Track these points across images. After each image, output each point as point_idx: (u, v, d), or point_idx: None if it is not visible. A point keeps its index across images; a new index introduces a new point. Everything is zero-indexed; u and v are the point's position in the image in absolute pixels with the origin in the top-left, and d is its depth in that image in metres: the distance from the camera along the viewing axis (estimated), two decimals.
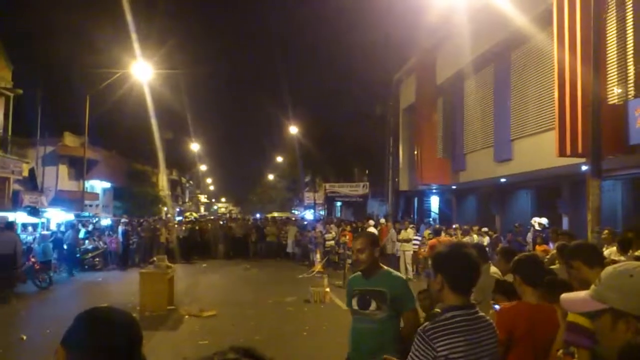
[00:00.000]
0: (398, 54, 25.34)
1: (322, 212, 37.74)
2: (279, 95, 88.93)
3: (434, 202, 26.64)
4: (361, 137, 31.35)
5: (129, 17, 22.19)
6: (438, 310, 3.47)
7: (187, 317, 10.87)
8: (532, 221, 14.34)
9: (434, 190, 24.70)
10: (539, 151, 14.01)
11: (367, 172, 34.74)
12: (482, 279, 4.63)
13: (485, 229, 16.79)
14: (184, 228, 24.94)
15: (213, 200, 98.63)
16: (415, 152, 22.48)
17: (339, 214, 36.34)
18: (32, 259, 14.78)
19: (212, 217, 38.46)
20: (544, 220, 13.96)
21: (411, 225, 17.84)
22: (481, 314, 2.45)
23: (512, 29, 14.91)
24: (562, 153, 11.53)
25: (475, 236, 15.72)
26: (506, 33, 15.58)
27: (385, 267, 3.86)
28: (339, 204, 36.78)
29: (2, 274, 12.99)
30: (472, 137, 19.57)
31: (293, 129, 40.84)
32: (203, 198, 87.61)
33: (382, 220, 20.38)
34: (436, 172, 21.02)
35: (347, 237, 18.78)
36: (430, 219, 23.74)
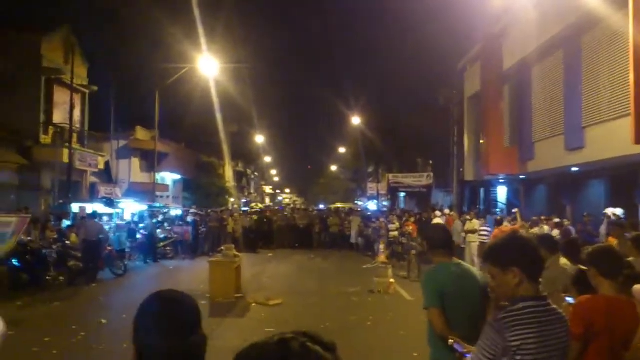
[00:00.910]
0: (462, 42, 24.84)
1: (385, 203, 37.57)
2: (342, 86, 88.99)
3: (501, 193, 25.95)
4: (425, 127, 30.91)
5: (196, 12, 22.85)
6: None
7: (254, 305, 11.18)
8: (606, 212, 13.72)
9: (501, 180, 24.04)
10: (613, 138, 13.38)
11: (430, 162, 34.26)
12: (552, 271, 4.54)
13: (556, 220, 16.23)
14: (252, 218, 25.52)
15: (277, 191, 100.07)
16: (481, 142, 21.94)
17: (402, 205, 36.05)
18: (109, 248, 15.60)
19: (276, 208, 39.09)
20: (619, 211, 13.33)
21: (469, 216, 17.51)
22: (553, 305, 2.40)
23: (583, 12, 14.26)
24: (638, 140, 10.99)
25: (545, 227, 15.25)
26: (576, 17, 14.92)
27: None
28: (402, 194, 36.47)
29: (90, 259, 13.92)
30: (540, 125, 18.91)
31: (356, 120, 40.78)
32: (268, 189, 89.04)
33: (447, 211, 20.08)
34: (503, 162, 20.47)
35: (411, 227, 18.66)
36: (498, 210, 23.17)
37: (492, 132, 20.80)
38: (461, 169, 26.51)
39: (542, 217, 15.73)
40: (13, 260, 12.06)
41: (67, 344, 7.78)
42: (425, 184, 30.65)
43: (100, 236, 14.57)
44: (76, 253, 13.94)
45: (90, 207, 18.74)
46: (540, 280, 2.45)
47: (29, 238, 13.07)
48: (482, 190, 27.28)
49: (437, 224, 10.15)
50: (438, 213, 18.76)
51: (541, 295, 2.39)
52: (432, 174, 30.85)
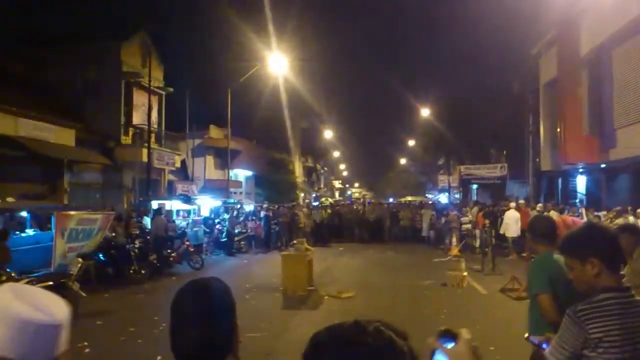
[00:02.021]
0: (537, 26, 23.81)
1: (457, 196, 36.82)
2: (412, 77, 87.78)
3: (580, 183, 24.79)
4: (498, 116, 29.99)
5: (267, 10, 23.29)
6: None
7: (326, 297, 11.31)
8: None
9: (580, 170, 22.95)
10: None
11: (504, 152, 33.19)
12: (638, 262, 4.34)
13: None
14: (323, 212, 25.76)
15: (347, 185, 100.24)
16: (558, 130, 21.02)
17: (475, 197, 35.19)
18: (186, 243, 16.22)
19: (346, 202, 39.20)
20: None
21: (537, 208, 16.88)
22: (637, 297, 2.29)
23: None
24: None
25: (630, 217, 14.46)
26: None
27: None
28: (475, 186, 35.60)
29: (159, 253, 14.62)
30: (623, 111, 17.90)
31: (426, 112, 40.18)
32: (337, 184, 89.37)
33: (522, 202, 19.41)
34: (582, 150, 19.54)
35: (480, 220, 18.31)
36: (577, 201, 22.17)
37: (570, 119, 19.91)
38: (537, 159, 25.54)
39: (629, 208, 14.89)
40: (99, 255, 12.82)
41: (151, 334, 8.20)
42: (499, 175, 29.75)
43: (170, 233, 15.30)
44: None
45: (168, 204, 19.57)
46: (625, 272, 2.36)
47: (113, 234, 13.82)
48: (559, 181, 26.17)
49: (542, 215, 9.85)
50: (512, 204, 18.17)
51: (624, 286, 2.30)
52: (506, 165, 29.90)
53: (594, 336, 2.15)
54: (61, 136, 19.84)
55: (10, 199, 13.59)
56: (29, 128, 18.03)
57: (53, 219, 11.63)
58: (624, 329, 2.15)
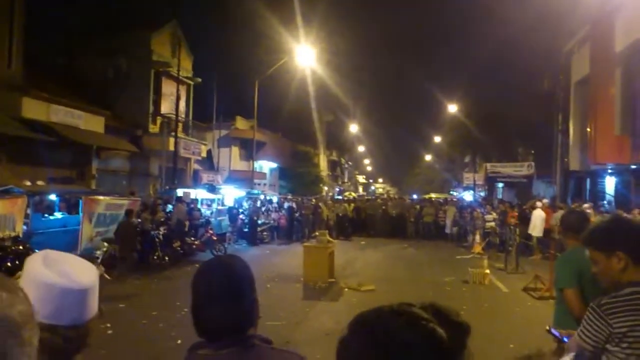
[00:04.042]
0: (569, 23, 23.34)
1: (482, 194, 36.44)
2: (440, 73, 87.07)
3: (609, 184, 24.31)
4: (526, 114, 29.52)
5: (295, 2, 23.32)
6: None
7: (346, 290, 11.33)
8: None
9: (610, 171, 22.49)
10: None
11: (532, 151, 32.70)
12: None
13: None
14: (346, 206, 25.77)
15: (371, 180, 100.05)
16: (588, 129, 20.59)
17: (500, 196, 34.78)
18: (210, 231, 16.41)
19: (369, 197, 39.11)
20: None
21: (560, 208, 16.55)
22: None
23: None
24: None
25: None
26: None
27: None
28: (500, 185, 35.17)
29: (182, 240, 14.84)
30: None
31: (453, 108, 39.79)
32: (361, 178, 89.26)
33: (545, 201, 19.10)
34: (612, 150, 19.11)
35: (513, 219, 18.08)
36: (605, 202, 21.74)
37: (601, 118, 19.49)
38: (565, 159, 25.09)
39: None
40: None
41: (173, 319, 8.34)
42: (526, 174, 29.34)
43: (195, 221, 15.49)
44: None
45: (193, 193, 19.80)
46: None
47: (139, 220, 14.04)
48: (588, 181, 25.70)
49: (574, 209, 9.74)
50: (539, 204, 17.91)
51: None
52: (533, 164, 29.46)
53: (618, 330, 2.10)
54: (91, 123, 20.21)
55: (40, 183, 13.91)
56: (60, 114, 18.40)
57: (81, 203, 11.90)
58: None
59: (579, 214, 4.37)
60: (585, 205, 17.11)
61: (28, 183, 13.46)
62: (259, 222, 20.75)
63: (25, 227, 10.63)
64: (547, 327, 3.17)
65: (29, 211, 11.12)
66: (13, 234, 9.79)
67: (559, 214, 16.89)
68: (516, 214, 18.76)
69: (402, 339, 0.94)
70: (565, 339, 2.86)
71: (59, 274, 1.37)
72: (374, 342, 0.95)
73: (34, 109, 17.12)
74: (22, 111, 16.67)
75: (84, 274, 1.42)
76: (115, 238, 12.26)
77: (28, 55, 17.41)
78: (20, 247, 9.00)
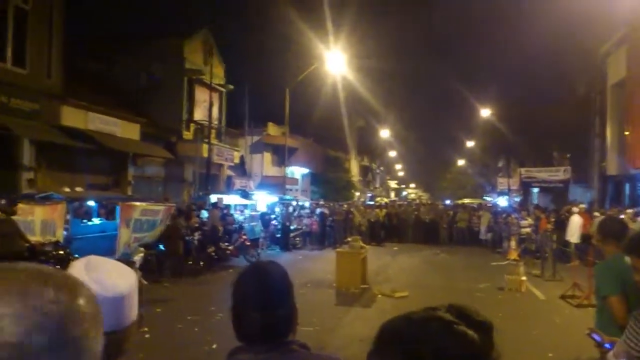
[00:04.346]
0: (605, 25, 22.82)
1: (516, 199, 35.81)
2: (473, 77, 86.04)
3: None
4: (562, 118, 28.94)
5: (325, 9, 23.43)
6: None
7: (379, 296, 11.29)
8: None
9: None
10: None
11: (568, 155, 32.00)
12: None
13: None
14: (378, 212, 25.70)
15: (403, 186, 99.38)
16: (626, 133, 20.11)
17: (535, 201, 34.11)
18: (243, 237, 16.55)
19: (401, 202, 38.87)
20: None
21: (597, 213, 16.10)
22: None
23: None
24: None
25: None
26: None
27: None
28: (535, 190, 34.49)
29: (216, 245, 15.00)
30: None
31: (486, 112, 39.29)
32: (393, 184, 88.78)
33: (582, 206, 18.62)
34: None
35: (549, 225, 17.73)
36: None
37: (639, 122, 19.02)
38: (603, 163, 24.50)
39: None
40: (160, 246, 13.26)
41: (208, 323, 8.44)
42: (562, 178, 28.70)
43: (228, 226, 15.67)
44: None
45: (226, 199, 20.01)
46: None
47: None
48: (627, 186, 25.05)
49: (613, 216, 9.56)
50: (575, 209, 17.50)
51: None
52: (569, 168, 28.83)
53: None
54: (127, 130, 20.64)
55: (79, 189, 14.27)
56: (97, 122, 18.85)
57: (118, 209, 12.15)
58: None
59: (618, 221, 4.29)
60: (629, 211, 16.67)
61: (67, 189, 13.85)
62: (292, 227, 20.84)
63: (65, 233, 10.90)
64: (588, 331, 3.10)
65: (68, 217, 11.41)
66: (54, 239, 10.06)
67: (598, 220, 16.50)
68: (551, 219, 18.37)
69: (437, 346, 0.93)
70: (608, 346, 2.80)
71: (94, 281, 1.39)
72: (408, 352, 0.95)
73: (72, 117, 17.58)
74: (61, 119, 17.13)
75: (120, 280, 1.44)
76: (162, 241, 12.66)
77: (65, 63, 17.90)
78: (61, 252, 9.24)
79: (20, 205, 9.57)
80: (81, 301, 0.81)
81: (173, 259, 13.23)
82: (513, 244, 17.74)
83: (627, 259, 3.46)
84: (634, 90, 19.53)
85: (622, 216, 15.27)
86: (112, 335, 1.44)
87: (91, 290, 0.89)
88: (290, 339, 1.61)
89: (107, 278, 1.42)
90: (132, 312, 1.48)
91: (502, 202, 37.55)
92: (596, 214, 16.38)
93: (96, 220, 14.04)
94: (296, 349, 1.58)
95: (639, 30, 19.42)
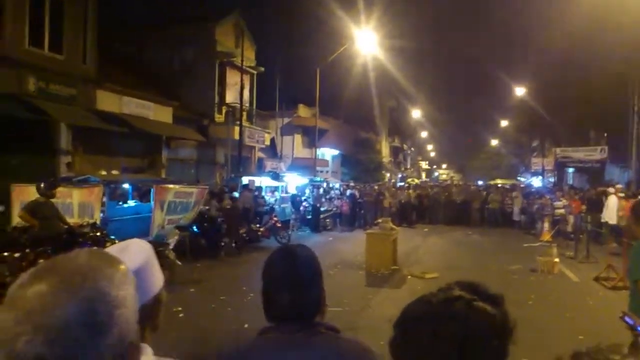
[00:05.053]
0: None
1: (551, 179, 35.16)
2: (507, 55, 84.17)
3: None
4: (600, 96, 28.12)
5: None
6: None
7: (409, 277, 11.31)
8: None
9: None
10: None
11: (605, 134, 31.19)
12: None
13: None
14: (409, 193, 25.59)
15: (434, 166, 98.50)
16: None
17: (570, 181, 33.43)
18: (274, 218, 16.72)
19: (433, 184, 38.58)
20: None
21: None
22: None
23: None
24: None
25: None
26: None
27: None
28: (571, 170, 33.79)
29: (246, 225, 15.25)
30: None
31: (520, 90, 38.50)
32: (424, 165, 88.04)
33: (619, 186, 18.11)
34: None
35: (574, 205, 17.42)
36: None
37: None
38: None
39: None
40: (193, 227, 13.53)
41: (240, 303, 8.62)
42: (599, 158, 28.06)
43: (259, 208, 15.92)
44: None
45: (258, 180, 20.21)
46: None
47: (207, 207, 14.50)
48: None
49: None
50: (611, 189, 17.06)
51: None
52: (606, 148, 28.12)
53: None
54: (160, 113, 20.96)
55: (114, 172, 14.61)
56: (131, 106, 19.18)
57: (152, 192, 12.42)
58: None
59: None
60: (611, 189, 16.27)
61: (104, 172, 14.19)
62: (322, 209, 20.94)
63: (102, 215, 11.20)
64: (621, 314, 3.09)
65: (104, 199, 11.70)
66: (91, 221, 10.36)
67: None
68: (579, 202, 18.02)
69: (464, 323, 0.99)
70: None
71: None
72: (436, 333, 0.99)
73: (107, 101, 17.94)
74: (97, 104, 17.49)
75: (130, 256, 1.51)
76: (225, 220, 14.06)
77: (100, 49, 18.22)
78: (98, 234, 9.51)
79: (59, 189, 9.83)
80: (119, 289, 0.89)
81: (234, 238, 14.37)
82: (546, 225, 17.51)
83: None
84: None
85: None
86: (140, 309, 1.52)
87: (126, 270, 0.97)
88: (318, 321, 1.66)
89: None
90: (153, 284, 1.55)
91: (536, 182, 36.91)
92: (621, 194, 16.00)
93: (131, 203, 14.34)
94: (323, 331, 1.64)
95: None
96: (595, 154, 28.42)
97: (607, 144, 28.83)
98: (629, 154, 24.92)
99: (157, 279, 1.56)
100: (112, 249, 1.55)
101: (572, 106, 31.86)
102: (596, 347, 0.92)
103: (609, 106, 27.49)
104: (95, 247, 1.60)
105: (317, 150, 30.60)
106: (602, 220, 15.96)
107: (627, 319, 3.00)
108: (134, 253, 1.54)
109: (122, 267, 0.96)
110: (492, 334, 0.99)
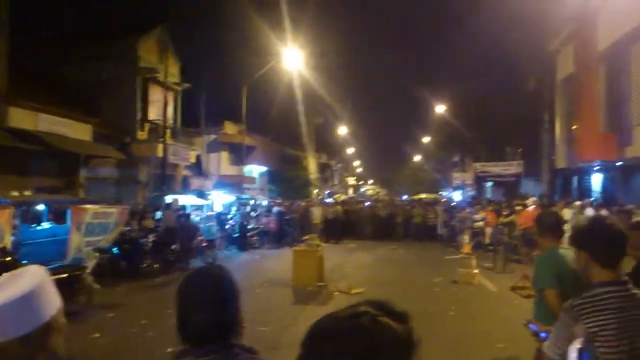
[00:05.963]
0: (554, 22, 23.58)
1: (470, 193, 36.64)
2: (427, 74, 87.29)
3: (596, 181, 24.58)
4: (514, 113, 29.77)
5: (283, 5, 23.35)
6: None
7: (336, 293, 11.39)
8: None
9: (596, 168, 22.74)
10: None
11: (520, 150, 32.98)
12: None
13: None
14: (336, 209, 25.80)
15: (361, 182, 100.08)
16: (574, 127, 20.86)
17: (489, 195, 35.00)
18: (199, 237, 16.35)
19: (359, 199, 39.18)
20: None
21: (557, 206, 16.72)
22: (636, 290, 2.26)
23: None
24: None
25: None
26: None
27: None
28: (489, 184, 35.41)
29: (188, 245, 14.84)
30: None
31: (440, 108, 40.01)
32: (351, 180, 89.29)
33: (532, 199, 19.18)
34: (598, 148, 19.34)
35: (489, 217, 18.29)
36: (592, 199, 21.97)
37: (586, 116, 19.74)
38: (552, 156, 25.35)
39: None
40: (113, 249, 13.00)
41: (162, 327, 8.32)
42: (515, 172, 29.60)
43: (192, 227, 15.48)
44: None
45: (182, 199, 19.74)
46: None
47: (128, 228, 13.99)
48: (575, 179, 25.98)
49: (549, 210, 9.91)
50: (529, 201, 18.03)
51: (621, 279, 2.28)
52: (521, 162, 29.73)
53: (590, 331, 2.16)
54: (78, 131, 20.12)
55: (27, 192, 13.84)
56: (47, 123, 18.31)
57: (68, 213, 11.84)
58: (619, 323, 2.15)
59: (552, 214, 4.47)
60: (577, 203, 17.26)
61: (15, 193, 13.39)
62: (249, 227, 20.74)
63: (13, 238, 10.56)
64: (525, 322, 3.23)
65: (16, 222, 11.05)
66: (1, 246, 9.73)
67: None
68: (503, 213, 18.90)
69: (369, 338, 1.00)
70: (543, 335, 2.93)
71: None
72: (342, 348, 1.00)
73: (20, 118, 17.04)
74: (8, 121, 16.58)
75: (13, 286, 1.46)
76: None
77: (13, 63, 17.31)
78: (8, 259, 8.95)
79: None
80: None
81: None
82: (466, 237, 18.15)
83: (563, 251, 3.63)
84: (581, 85, 20.24)
85: (571, 208, 15.87)
86: (24, 338, 1.45)
87: None
88: (234, 342, 1.64)
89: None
90: (42, 311, 1.49)
91: (457, 196, 38.33)
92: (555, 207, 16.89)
93: (46, 225, 13.62)
94: (238, 352, 1.61)
95: (585, 28, 20.12)
96: (512, 168, 29.96)
97: (522, 159, 30.48)
98: (541, 168, 26.43)
99: (49, 305, 1.50)
100: (5, 276, 1.49)
101: (489, 123, 33.54)
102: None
103: (523, 122, 29.15)
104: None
105: (244, 167, 30.36)
106: (516, 233, 16.77)
107: (531, 325, 3.14)
108: (24, 279, 1.49)
109: None
110: (397, 349, 1.01)
